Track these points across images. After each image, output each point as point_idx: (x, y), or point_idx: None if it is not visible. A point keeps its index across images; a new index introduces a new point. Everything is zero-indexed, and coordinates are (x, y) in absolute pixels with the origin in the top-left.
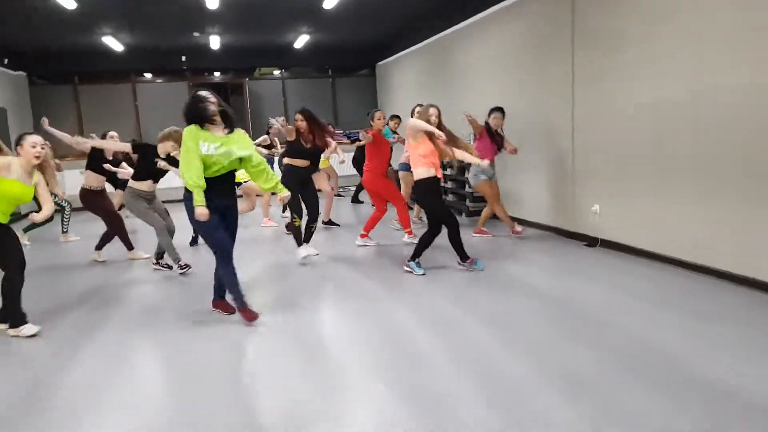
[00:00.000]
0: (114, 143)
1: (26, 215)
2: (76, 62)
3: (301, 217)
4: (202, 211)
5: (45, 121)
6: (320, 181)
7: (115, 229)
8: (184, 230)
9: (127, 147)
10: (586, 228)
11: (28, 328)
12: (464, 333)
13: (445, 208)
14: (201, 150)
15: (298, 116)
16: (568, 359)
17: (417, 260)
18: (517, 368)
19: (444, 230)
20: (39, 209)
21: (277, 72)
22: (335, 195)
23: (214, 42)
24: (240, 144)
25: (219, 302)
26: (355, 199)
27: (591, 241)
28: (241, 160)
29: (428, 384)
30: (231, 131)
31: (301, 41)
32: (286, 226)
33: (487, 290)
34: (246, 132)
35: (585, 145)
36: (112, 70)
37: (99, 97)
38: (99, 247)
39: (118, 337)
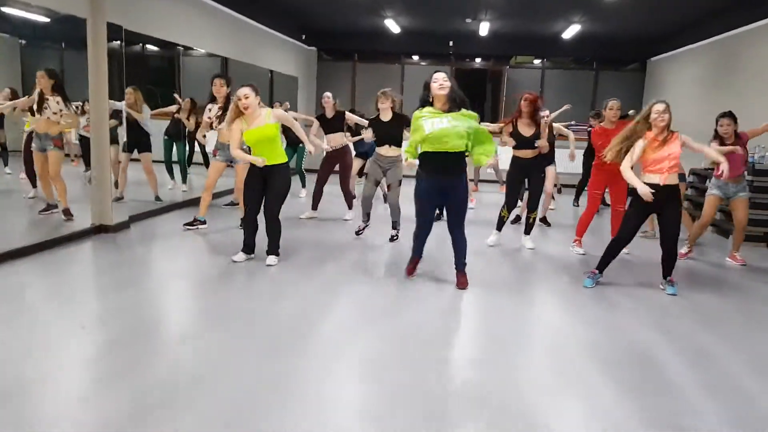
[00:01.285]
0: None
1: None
2: (358, 42)
3: (510, 210)
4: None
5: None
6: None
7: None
8: None
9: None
10: None
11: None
12: (722, 367)
13: (627, 220)
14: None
15: (529, 97)
16: None
17: (595, 273)
18: None
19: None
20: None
21: (537, 61)
22: None
23: (483, 28)
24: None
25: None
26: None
27: None
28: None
29: (677, 415)
30: (450, 110)
31: (570, 31)
32: None
33: (751, 322)
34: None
35: None
36: (386, 51)
37: (372, 74)
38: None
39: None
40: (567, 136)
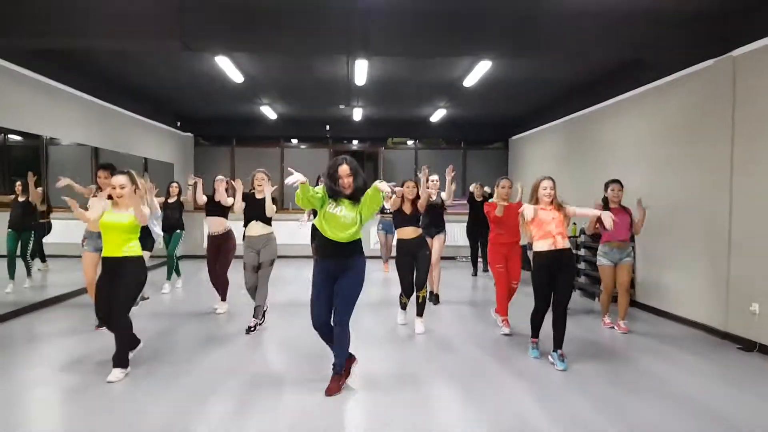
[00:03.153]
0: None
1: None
2: (235, 127)
3: (408, 296)
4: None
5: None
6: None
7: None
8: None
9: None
10: (742, 329)
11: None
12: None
13: (536, 291)
14: (327, 207)
15: (410, 184)
16: None
17: (536, 342)
18: None
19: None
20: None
21: (410, 142)
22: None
23: (357, 114)
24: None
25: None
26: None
27: (747, 345)
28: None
29: None
30: (357, 202)
31: (437, 115)
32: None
33: (631, 392)
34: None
35: (744, 237)
36: (264, 135)
37: (251, 158)
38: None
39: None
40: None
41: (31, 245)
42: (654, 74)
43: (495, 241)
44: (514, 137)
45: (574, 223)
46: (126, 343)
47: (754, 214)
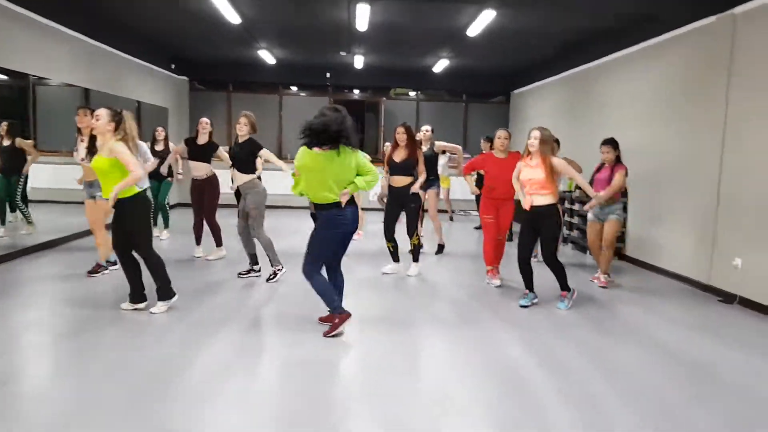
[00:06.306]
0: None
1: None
2: (233, 72)
3: (389, 240)
4: None
5: None
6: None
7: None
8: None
9: None
10: (724, 283)
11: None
12: (580, 379)
13: (519, 238)
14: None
15: (400, 129)
16: (693, 425)
17: (527, 294)
18: (637, 429)
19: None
20: None
21: (412, 93)
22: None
23: (358, 61)
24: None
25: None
26: None
27: (727, 298)
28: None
29: (535, 426)
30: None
31: (439, 65)
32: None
33: (610, 338)
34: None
35: (732, 193)
36: (262, 81)
37: (249, 104)
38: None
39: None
40: (453, 151)
41: (20, 190)
42: (655, 30)
43: (487, 195)
44: (516, 91)
45: (570, 178)
46: (163, 275)
47: (743, 173)
